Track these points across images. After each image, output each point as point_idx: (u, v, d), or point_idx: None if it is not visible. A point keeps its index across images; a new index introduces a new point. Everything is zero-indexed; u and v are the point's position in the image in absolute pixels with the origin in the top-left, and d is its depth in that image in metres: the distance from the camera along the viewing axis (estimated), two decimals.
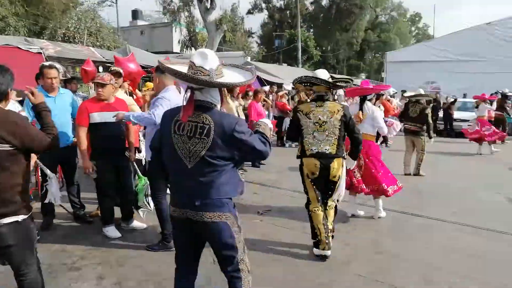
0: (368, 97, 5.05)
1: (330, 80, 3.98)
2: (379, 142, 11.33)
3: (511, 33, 18.26)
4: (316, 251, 3.89)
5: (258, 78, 15.46)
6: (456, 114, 15.00)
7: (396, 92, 15.24)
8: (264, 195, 6.11)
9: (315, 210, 3.91)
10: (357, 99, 5.74)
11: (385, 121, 10.73)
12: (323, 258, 3.84)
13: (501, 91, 14.24)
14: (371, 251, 4.11)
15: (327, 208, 3.99)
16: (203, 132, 2.19)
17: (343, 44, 38.60)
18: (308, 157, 3.89)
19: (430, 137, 7.80)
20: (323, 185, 3.94)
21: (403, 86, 16.56)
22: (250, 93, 8.54)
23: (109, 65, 8.70)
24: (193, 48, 30.82)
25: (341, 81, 4.39)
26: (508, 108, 13.61)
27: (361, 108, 5.01)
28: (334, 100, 4.65)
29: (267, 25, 41.17)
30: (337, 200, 4.10)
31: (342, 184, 4.00)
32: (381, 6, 41.07)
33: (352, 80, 4.73)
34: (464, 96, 16.97)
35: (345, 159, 4.02)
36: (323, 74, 4.00)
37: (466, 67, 19.01)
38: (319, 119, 3.84)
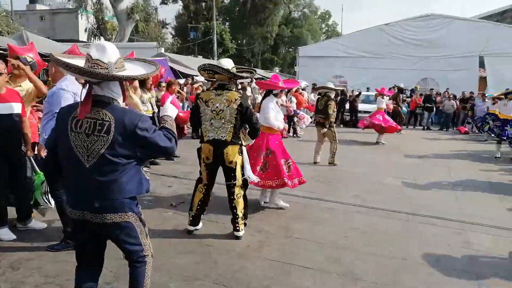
0: (274, 92, 5.19)
1: (234, 70, 4.04)
2: (291, 133, 11.99)
3: (406, 33, 20.16)
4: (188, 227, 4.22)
5: (173, 70, 15.13)
6: (360, 106, 16.20)
7: (307, 86, 15.98)
8: (178, 187, 6.03)
9: (200, 189, 4.17)
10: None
11: (297, 114, 11.31)
12: (189, 232, 4.18)
13: (397, 86, 15.69)
14: (281, 236, 4.29)
15: (235, 197, 4.12)
16: (103, 129, 2.08)
17: (258, 38, 39.35)
18: (205, 143, 4.05)
19: (325, 127, 8.06)
20: (215, 170, 4.14)
21: (314, 80, 17.37)
22: (163, 84, 8.31)
23: (2, 52, 7.82)
24: (102, 37, 29.03)
25: (244, 71, 4.45)
26: (400, 101, 15.08)
27: (262, 100, 5.18)
28: (239, 90, 4.77)
29: (182, 17, 40.35)
30: (244, 187, 4.21)
31: (246, 169, 4.14)
32: (294, 2, 42.62)
33: (255, 71, 4.85)
34: (368, 89, 18.36)
35: (243, 146, 4.15)
36: (226, 63, 4.02)
37: (370, 63, 20.57)
38: (217, 107, 3.94)
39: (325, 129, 8.07)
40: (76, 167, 2.12)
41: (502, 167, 8.67)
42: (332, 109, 8.00)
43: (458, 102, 16.52)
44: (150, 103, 7.16)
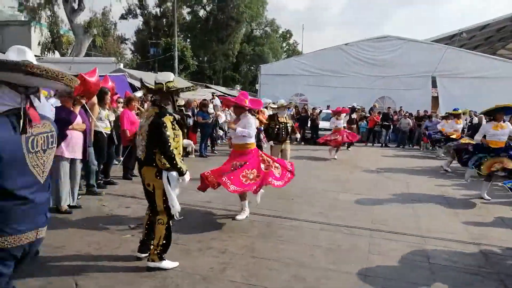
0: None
1: (170, 84, 3.65)
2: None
3: (364, 53, 20.99)
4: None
5: (132, 86, 14.83)
6: (321, 124, 16.51)
7: (269, 104, 16.12)
8: (136, 207, 5.77)
9: (147, 211, 3.93)
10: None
11: (261, 130, 11.32)
12: (138, 259, 3.88)
13: (350, 106, 16.26)
14: (246, 257, 4.19)
15: (157, 222, 3.71)
16: (53, 140, 2.02)
17: (220, 55, 39.48)
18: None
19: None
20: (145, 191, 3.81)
21: (275, 98, 17.50)
22: (121, 100, 8.06)
23: None
24: (56, 52, 28.02)
25: (186, 88, 3.99)
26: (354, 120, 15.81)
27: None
28: (179, 106, 4.52)
29: (142, 32, 39.84)
30: (168, 216, 3.68)
31: (169, 197, 3.60)
32: (256, 21, 43.29)
33: (194, 87, 4.41)
34: (328, 107, 18.81)
35: (163, 170, 3.59)
36: (160, 76, 3.74)
37: (330, 82, 21.18)
38: (142, 122, 3.79)
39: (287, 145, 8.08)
40: (30, 185, 1.97)
41: (454, 182, 9.04)
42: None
43: (413, 120, 17.22)
44: (108, 119, 6.91)
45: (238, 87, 35.15)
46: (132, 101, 7.67)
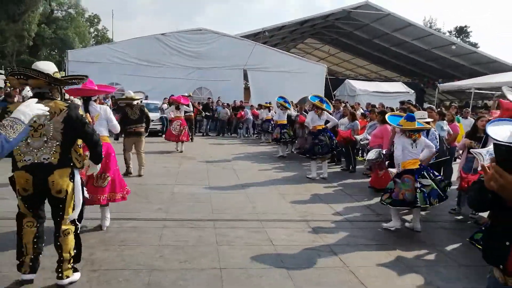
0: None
1: (58, 75, 3.25)
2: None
3: (181, 44, 21.01)
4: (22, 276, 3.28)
5: None
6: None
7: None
8: None
9: (28, 225, 3.25)
10: None
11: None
12: (24, 283, 3.26)
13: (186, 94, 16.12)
14: (86, 272, 3.59)
15: (60, 233, 3.24)
16: None
17: (11, 36, 33.41)
18: (19, 170, 3.09)
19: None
20: (40, 202, 3.29)
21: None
22: None
23: None
24: None
25: (73, 78, 3.64)
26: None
27: (87, 110, 4.70)
28: (66, 99, 3.80)
29: None
30: (77, 222, 3.38)
31: (76, 201, 3.31)
32: (57, 1, 38.26)
33: (87, 77, 3.90)
34: (146, 98, 18.14)
35: (75, 169, 3.30)
36: (45, 65, 3.23)
37: (147, 71, 20.44)
38: (35, 121, 3.04)
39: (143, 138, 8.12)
40: None
41: (274, 165, 9.99)
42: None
43: (231, 110, 18.26)
44: None
45: None
46: None
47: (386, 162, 6.75)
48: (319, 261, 4.13)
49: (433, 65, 28.12)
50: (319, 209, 6.14)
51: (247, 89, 22.28)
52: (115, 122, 5.15)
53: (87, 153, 3.58)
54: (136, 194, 6.42)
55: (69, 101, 3.47)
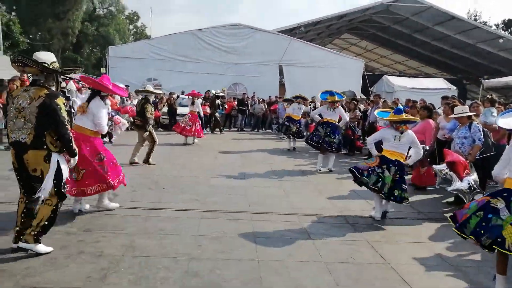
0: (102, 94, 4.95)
1: (54, 65, 3.59)
2: (106, 139, 10.85)
3: (218, 40, 21.17)
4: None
5: None
6: (179, 110, 16.11)
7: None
8: None
9: (20, 200, 3.62)
10: None
11: (113, 116, 10.38)
12: (14, 251, 3.55)
13: (214, 92, 16.22)
14: (128, 258, 3.68)
15: (42, 202, 3.57)
16: None
17: (57, 33, 34.89)
18: (10, 145, 3.63)
19: (146, 130, 8.17)
20: (26, 178, 3.56)
21: (125, 82, 16.32)
22: None
23: None
24: None
25: (70, 69, 3.97)
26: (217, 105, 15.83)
27: (89, 100, 4.83)
28: (62, 88, 4.10)
29: None
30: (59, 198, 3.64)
31: (46, 182, 3.51)
32: None
33: (81, 67, 4.49)
34: (182, 93, 18.43)
35: (51, 151, 3.51)
36: (43, 56, 3.59)
37: (184, 67, 20.75)
38: (19, 104, 3.48)
39: (147, 133, 8.16)
40: None
41: (309, 161, 9.87)
42: (150, 112, 8.15)
43: (266, 105, 18.22)
44: None
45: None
46: None
47: (428, 159, 6.50)
48: (358, 257, 4.03)
49: (477, 60, 26.82)
50: (357, 205, 6.00)
51: (282, 85, 22.15)
52: (102, 122, 4.75)
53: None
54: (171, 186, 6.53)
55: (52, 89, 3.60)
